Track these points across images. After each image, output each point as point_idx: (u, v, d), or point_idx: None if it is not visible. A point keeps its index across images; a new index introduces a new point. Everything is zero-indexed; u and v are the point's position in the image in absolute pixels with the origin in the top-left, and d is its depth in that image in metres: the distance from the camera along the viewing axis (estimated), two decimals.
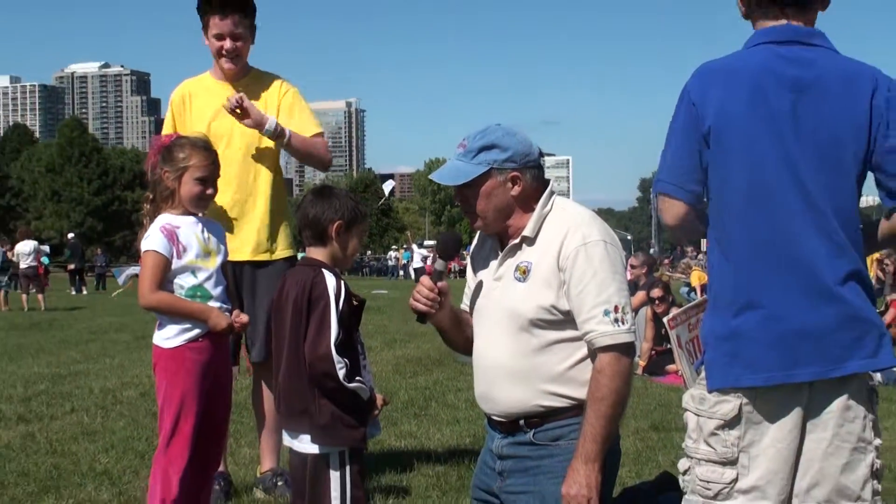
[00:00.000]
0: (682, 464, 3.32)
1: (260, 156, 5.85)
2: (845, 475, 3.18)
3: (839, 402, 3.16)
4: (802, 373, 3.09)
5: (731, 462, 3.17)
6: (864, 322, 3.13)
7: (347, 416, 3.96)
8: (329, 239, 4.07)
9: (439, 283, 4.15)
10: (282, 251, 5.86)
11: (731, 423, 3.16)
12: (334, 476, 3.94)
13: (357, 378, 3.98)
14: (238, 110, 5.55)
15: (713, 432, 3.19)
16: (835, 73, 3.17)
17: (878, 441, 3.25)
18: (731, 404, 3.15)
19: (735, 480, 3.16)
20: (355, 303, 4.08)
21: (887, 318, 13.89)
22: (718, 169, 3.22)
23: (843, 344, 3.10)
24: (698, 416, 3.24)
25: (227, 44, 5.74)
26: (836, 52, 3.23)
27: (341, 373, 3.89)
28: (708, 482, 3.20)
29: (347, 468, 3.96)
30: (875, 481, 3.22)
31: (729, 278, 3.22)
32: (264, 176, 5.84)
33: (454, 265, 60.59)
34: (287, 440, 4.07)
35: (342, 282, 4.01)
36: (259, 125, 5.61)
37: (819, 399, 3.16)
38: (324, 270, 4.01)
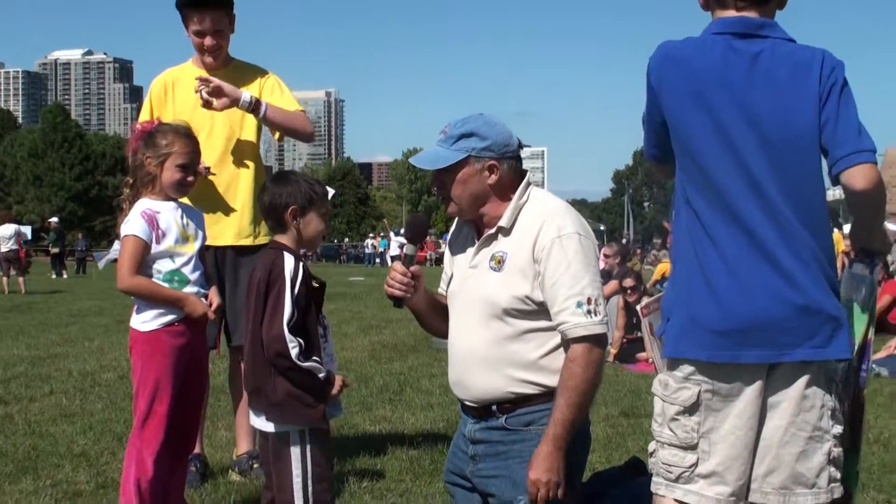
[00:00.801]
0: (651, 446, 3.38)
1: (240, 145, 5.86)
2: (801, 462, 3.22)
3: (796, 391, 3.20)
4: (749, 355, 3.13)
5: (692, 447, 3.22)
6: (819, 313, 3.14)
7: (305, 395, 3.96)
8: (286, 224, 4.09)
9: (412, 268, 4.16)
10: (263, 237, 5.84)
11: (690, 410, 3.22)
12: (295, 453, 3.95)
13: (313, 358, 3.97)
14: (209, 94, 5.52)
15: (674, 417, 3.25)
16: (783, 64, 3.19)
17: (837, 429, 3.27)
18: (690, 391, 3.21)
19: (695, 465, 3.22)
20: (315, 285, 4.07)
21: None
22: (678, 158, 3.32)
23: (795, 332, 3.13)
24: (663, 401, 3.30)
25: (208, 41, 5.75)
26: (787, 41, 3.25)
27: (293, 352, 3.91)
28: (670, 465, 3.27)
29: (308, 446, 3.96)
30: (832, 468, 3.25)
31: (691, 261, 3.25)
32: (245, 164, 5.84)
33: (431, 253, 60.80)
34: (253, 419, 4.07)
35: (301, 263, 4.01)
36: (234, 100, 5.57)
37: (776, 387, 3.20)
38: (284, 253, 4.02)
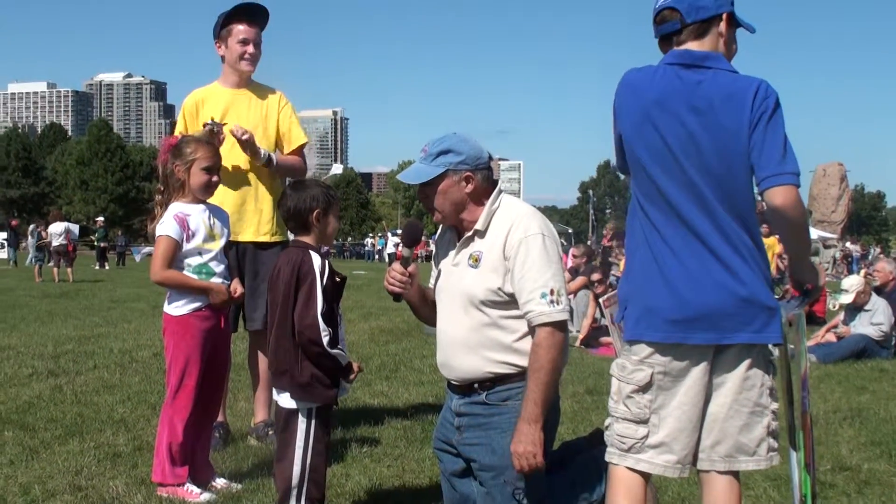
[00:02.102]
0: (607, 421, 3.37)
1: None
2: (743, 434, 3.24)
3: (738, 372, 3.22)
4: (697, 337, 3.14)
5: (643, 421, 3.22)
6: (757, 303, 3.15)
7: (325, 378, 3.94)
8: (312, 225, 4.06)
9: (409, 268, 4.18)
10: (279, 235, 5.84)
11: (644, 388, 3.22)
12: (301, 428, 3.92)
13: (339, 346, 3.97)
14: (241, 143, 5.57)
15: (629, 395, 3.25)
16: (721, 92, 3.19)
17: (774, 405, 3.30)
18: (644, 372, 3.21)
19: (646, 437, 3.22)
20: (338, 279, 4.06)
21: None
22: (632, 169, 3.34)
23: (737, 319, 3.14)
24: (619, 381, 3.29)
25: (251, 48, 5.78)
26: (729, 72, 3.25)
27: (325, 340, 3.88)
28: (623, 437, 3.26)
29: (314, 422, 3.94)
30: (771, 439, 3.28)
31: (646, 258, 3.26)
32: (264, 171, 5.82)
33: (421, 251, 60.81)
34: (274, 394, 4.06)
35: (326, 261, 4.00)
36: (255, 157, 5.64)
37: (722, 369, 3.21)
38: (310, 251, 3.99)
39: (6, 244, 43.89)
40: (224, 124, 5.56)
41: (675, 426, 3.20)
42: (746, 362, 3.22)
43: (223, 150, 5.36)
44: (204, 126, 5.46)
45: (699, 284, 3.15)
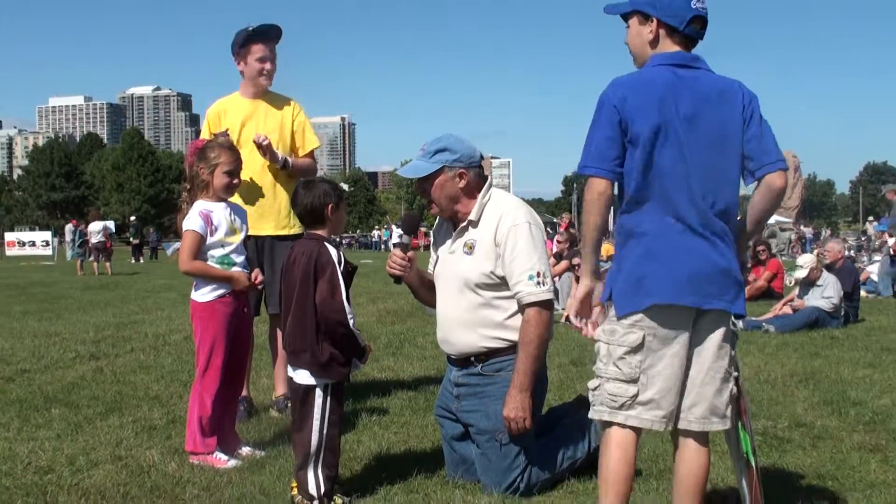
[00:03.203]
0: (592, 383, 3.28)
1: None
2: (716, 398, 3.24)
3: (714, 340, 3.21)
4: (686, 300, 3.11)
5: (634, 380, 3.16)
6: (732, 276, 3.17)
7: (340, 356, 3.93)
8: (326, 219, 4.02)
9: (408, 253, 4.21)
10: (297, 228, 5.82)
11: (635, 350, 3.15)
12: (318, 402, 3.90)
13: (356, 327, 3.95)
14: (260, 149, 5.58)
15: (621, 357, 3.17)
16: (713, 88, 3.20)
17: (736, 373, 3.31)
18: (636, 335, 3.15)
19: (636, 395, 3.16)
20: (350, 268, 4.05)
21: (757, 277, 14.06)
22: (630, 158, 3.17)
23: (716, 286, 3.14)
24: (609, 344, 3.21)
25: (269, 66, 5.77)
26: (710, 71, 3.26)
27: (351, 322, 3.86)
28: (615, 396, 3.18)
29: (329, 397, 3.92)
30: (732, 403, 3.29)
31: (638, 241, 3.19)
32: (281, 172, 5.80)
33: (421, 242, 60.90)
34: (289, 371, 4.04)
35: (340, 251, 3.98)
36: (274, 161, 5.65)
37: (699, 336, 3.20)
38: (326, 243, 3.96)
39: (48, 243, 43.99)
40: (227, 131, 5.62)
41: (663, 385, 3.16)
42: (721, 331, 3.22)
43: (245, 154, 5.38)
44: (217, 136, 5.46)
45: (686, 254, 3.12)
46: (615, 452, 3.20)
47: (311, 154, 6.00)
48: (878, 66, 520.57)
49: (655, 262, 3.14)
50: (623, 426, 3.20)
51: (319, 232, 4.03)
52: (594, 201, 3.18)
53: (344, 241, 72.41)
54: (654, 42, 3.27)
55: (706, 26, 3.27)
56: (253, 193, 5.70)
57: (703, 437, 3.28)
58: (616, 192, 3.26)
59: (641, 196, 3.17)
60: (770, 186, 3.20)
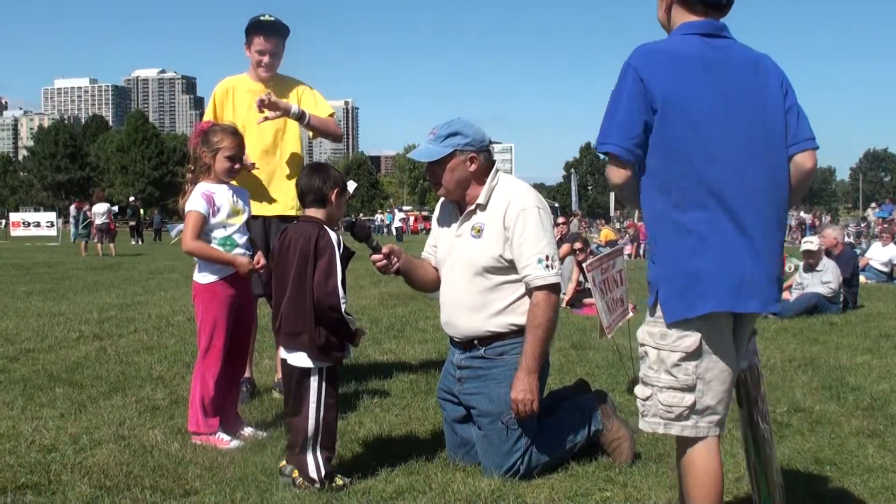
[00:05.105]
0: (642, 391, 2.95)
1: (286, 137, 5.82)
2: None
3: (753, 341, 3.07)
4: (750, 305, 2.83)
5: (690, 389, 2.85)
6: (773, 273, 2.89)
7: (335, 341, 3.91)
8: (329, 202, 4.01)
9: (384, 249, 4.16)
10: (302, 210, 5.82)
11: (692, 355, 2.83)
12: (314, 386, 3.89)
13: (349, 313, 3.93)
14: (266, 106, 5.48)
15: (676, 363, 2.84)
16: (746, 57, 2.94)
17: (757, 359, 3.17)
18: (692, 338, 2.82)
19: (693, 404, 2.85)
20: (347, 252, 4.04)
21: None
22: (679, 135, 2.81)
23: (763, 288, 2.84)
24: (659, 349, 2.87)
25: (266, 59, 5.74)
26: (736, 41, 2.99)
27: (343, 306, 3.85)
28: (670, 406, 2.87)
29: (324, 381, 3.91)
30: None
31: (692, 229, 2.81)
32: (289, 153, 5.81)
33: (421, 226, 61.14)
34: (283, 353, 4.02)
35: (339, 235, 3.97)
36: (286, 112, 5.56)
37: (740, 337, 2.96)
38: (325, 227, 3.94)
39: (53, 224, 44.00)
40: (254, 165, 5.60)
41: (720, 389, 2.87)
42: (752, 326, 3.05)
43: (253, 136, 5.49)
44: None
45: (739, 250, 2.80)
46: (703, 478, 2.89)
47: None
48: (879, 52, 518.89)
49: (708, 259, 2.79)
50: (695, 440, 2.90)
51: (317, 215, 4.01)
52: (623, 186, 2.90)
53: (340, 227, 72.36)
54: (668, 12, 3.01)
55: None
56: (261, 175, 5.70)
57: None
58: (641, 171, 2.91)
59: (678, 178, 2.82)
60: (800, 166, 2.96)
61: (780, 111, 2.93)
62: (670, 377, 2.86)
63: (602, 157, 2.99)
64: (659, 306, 2.87)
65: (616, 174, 2.89)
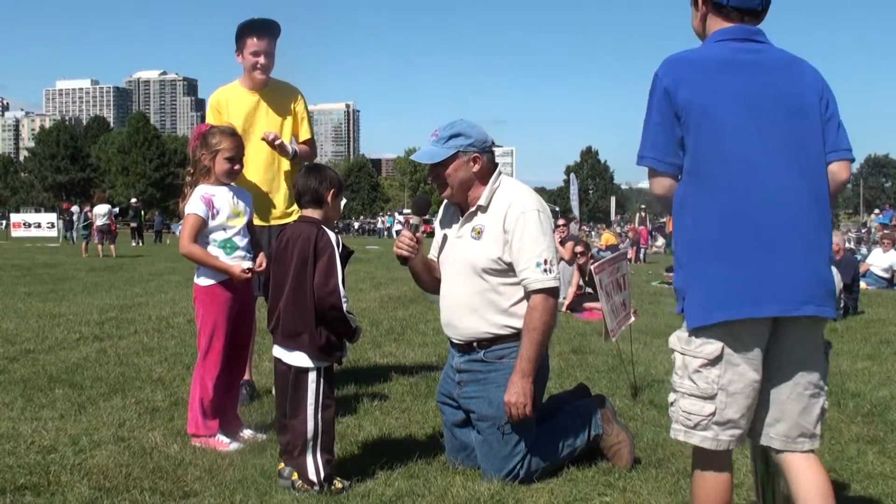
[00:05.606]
0: (670, 397, 2.93)
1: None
2: (803, 416, 2.88)
3: (802, 353, 2.86)
4: (768, 310, 2.74)
5: (710, 397, 2.80)
6: (819, 276, 2.83)
7: (335, 340, 3.91)
8: (325, 203, 4.02)
9: (417, 234, 4.20)
10: (297, 215, 5.83)
11: (713, 362, 2.79)
12: (312, 387, 3.88)
13: (350, 312, 3.93)
14: (272, 147, 5.60)
15: (697, 370, 2.82)
16: (781, 60, 2.90)
17: (826, 388, 2.97)
18: (714, 346, 2.78)
19: (713, 414, 2.81)
20: (346, 252, 4.04)
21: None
22: (700, 144, 2.79)
23: (803, 291, 2.76)
24: (684, 354, 2.85)
25: (262, 59, 5.71)
26: (773, 45, 2.94)
27: (345, 305, 3.85)
28: (690, 414, 2.84)
29: (321, 380, 3.91)
30: (822, 420, 2.94)
31: (714, 238, 2.77)
32: (285, 161, 5.80)
33: (424, 231, 61.02)
34: (279, 352, 3.99)
35: (337, 236, 3.97)
36: (285, 155, 5.68)
37: (784, 344, 2.84)
38: (323, 227, 3.95)
39: (54, 225, 44.04)
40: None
41: (743, 403, 2.81)
42: (810, 340, 2.87)
43: (249, 148, 5.47)
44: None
45: (768, 253, 2.74)
46: (712, 485, 2.87)
47: (307, 143, 6.00)
48: (879, 57, 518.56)
49: (730, 265, 2.75)
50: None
51: (314, 216, 4.02)
52: (665, 196, 2.88)
53: (353, 226, 72.40)
54: (703, 21, 2.98)
55: None
56: (261, 183, 5.73)
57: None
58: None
59: (703, 183, 2.79)
60: (835, 175, 2.89)
61: (817, 116, 2.87)
62: (692, 383, 2.84)
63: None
64: (684, 313, 2.86)
65: (656, 185, 2.91)
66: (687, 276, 2.86)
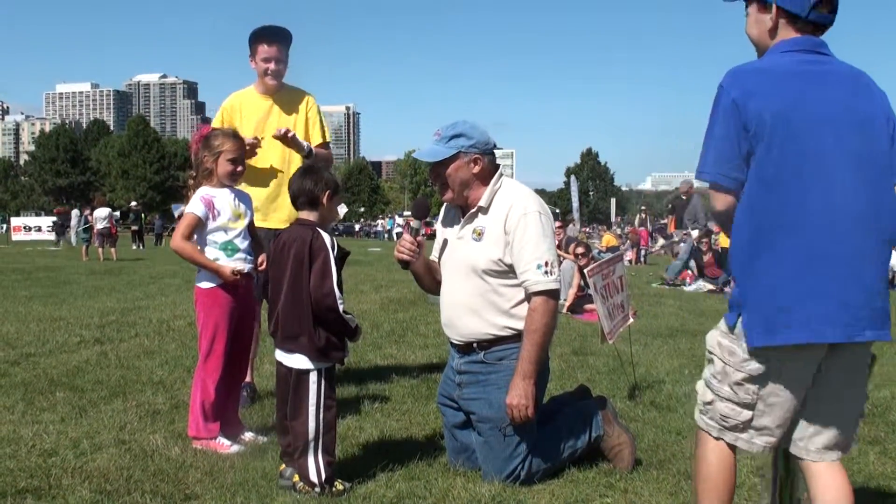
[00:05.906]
0: (706, 395, 2.89)
1: (290, 152, 5.87)
2: (843, 432, 2.86)
3: (851, 374, 2.82)
4: (834, 335, 2.66)
5: (749, 406, 2.79)
6: (880, 299, 2.74)
7: (336, 341, 3.92)
8: (321, 205, 4.02)
9: (417, 238, 4.21)
10: None
11: (755, 380, 2.76)
12: (313, 388, 3.88)
13: (348, 312, 3.93)
14: (285, 142, 5.66)
15: (739, 382, 2.78)
16: (848, 75, 2.84)
17: (865, 407, 2.95)
18: (757, 364, 2.74)
19: (750, 420, 2.80)
20: (342, 254, 4.03)
21: None
22: (776, 155, 2.69)
23: (867, 313, 2.69)
24: (725, 363, 2.81)
25: (273, 66, 5.80)
26: (836, 58, 2.88)
27: (342, 306, 3.85)
28: (727, 417, 2.83)
29: (323, 381, 3.91)
30: (855, 434, 2.94)
31: (780, 254, 2.69)
32: (294, 166, 5.83)
33: (424, 234, 60.96)
34: (279, 355, 4.00)
35: (333, 237, 3.97)
36: (300, 151, 5.74)
37: (835, 363, 2.78)
38: (318, 229, 3.95)
39: (52, 228, 44.09)
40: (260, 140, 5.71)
41: (780, 415, 2.79)
42: (861, 362, 2.84)
43: (266, 149, 5.66)
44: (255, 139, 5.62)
45: (839, 273, 2.67)
46: (714, 463, 2.88)
47: (321, 146, 6.04)
48: (880, 59, 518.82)
49: (800, 283, 2.67)
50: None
51: (310, 218, 4.02)
52: (725, 213, 2.79)
53: (355, 229, 72.33)
54: (774, 31, 2.89)
55: (836, 9, 2.87)
56: (267, 187, 5.78)
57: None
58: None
59: (772, 198, 2.69)
60: None
61: (885, 135, 2.80)
62: (731, 392, 2.81)
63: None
64: (740, 326, 2.77)
65: (718, 201, 2.82)
66: (751, 292, 2.75)
